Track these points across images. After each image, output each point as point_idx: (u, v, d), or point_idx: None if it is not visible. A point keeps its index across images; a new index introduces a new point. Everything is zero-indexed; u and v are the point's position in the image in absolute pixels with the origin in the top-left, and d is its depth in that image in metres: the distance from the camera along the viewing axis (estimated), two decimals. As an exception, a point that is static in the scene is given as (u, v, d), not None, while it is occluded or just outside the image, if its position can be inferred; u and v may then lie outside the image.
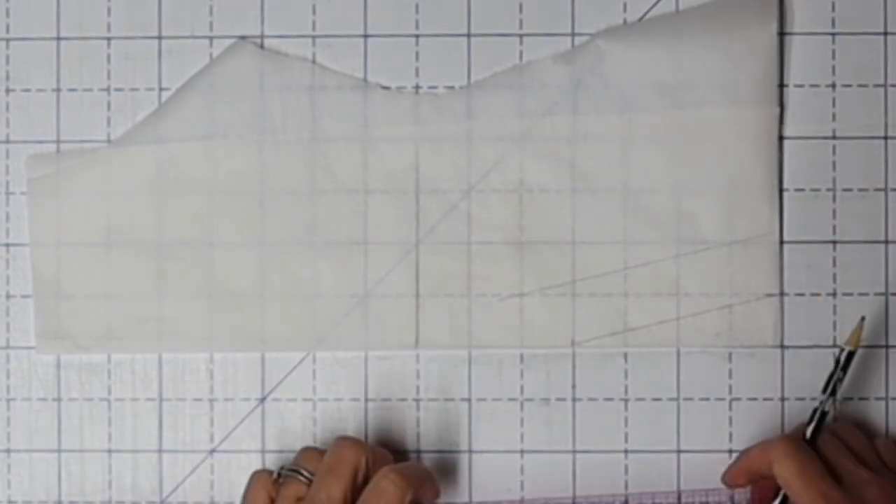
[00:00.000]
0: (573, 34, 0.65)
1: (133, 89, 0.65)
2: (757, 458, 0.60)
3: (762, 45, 0.63)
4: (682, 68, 0.63)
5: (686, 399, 0.64)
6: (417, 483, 0.59)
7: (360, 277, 0.64)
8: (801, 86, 0.65)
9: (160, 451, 0.65)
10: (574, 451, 0.64)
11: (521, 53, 0.65)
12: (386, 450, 0.62)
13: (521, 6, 0.65)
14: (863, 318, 0.61)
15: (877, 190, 0.64)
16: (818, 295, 0.64)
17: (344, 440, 0.59)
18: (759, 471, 0.60)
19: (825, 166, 0.64)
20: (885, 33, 0.65)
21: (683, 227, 0.64)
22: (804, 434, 0.60)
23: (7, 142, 0.65)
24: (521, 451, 0.65)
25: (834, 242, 0.64)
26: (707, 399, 0.64)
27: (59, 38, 0.65)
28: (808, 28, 0.65)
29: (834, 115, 0.64)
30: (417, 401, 0.64)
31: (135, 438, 0.65)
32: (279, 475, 0.60)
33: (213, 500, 0.65)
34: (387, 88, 0.65)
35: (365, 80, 0.65)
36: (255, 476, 0.61)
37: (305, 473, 0.59)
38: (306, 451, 0.61)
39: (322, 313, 0.64)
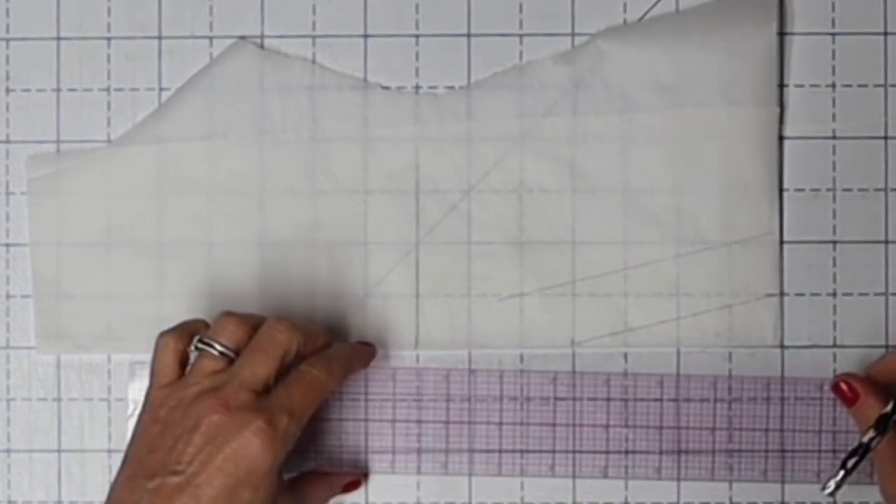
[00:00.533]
0: (573, 34, 0.65)
1: (133, 89, 0.65)
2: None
3: (762, 45, 0.63)
4: (682, 68, 0.63)
5: (686, 400, 0.64)
6: (341, 369, 0.59)
7: (360, 277, 0.64)
8: (801, 86, 0.65)
9: (160, 451, 0.65)
10: (574, 452, 0.64)
11: (521, 53, 0.65)
12: (322, 327, 0.61)
13: (521, 6, 0.65)
14: None
15: (877, 190, 0.64)
16: (818, 295, 0.64)
17: (278, 322, 0.58)
18: None
19: (825, 166, 0.64)
20: (885, 33, 0.65)
21: (683, 227, 0.64)
22: None
23: (7, 142, 0.65)
24: (521, 452, 0.65)
25: (834, 242, 0.64)
26: (707, 399, 0.64)
27: (59, 38, 0.65)
28: (808, 28, 0.65)
29: (834, 115, 0.65)
30: (417, 400, 0.64)
31: (135, 438, 0.65)
32: (195, 347, 0.58)
33: (213, 500, 0.65)
34: (387, 88, 0.65)
35: (365, 80, 0.65)
36: (163, 341, 0.59)
37: (219, 349, 0.57)
38: (228, 320, 0.58)
39: (322, 313, 0.64)
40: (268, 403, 0.56)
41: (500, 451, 0.64)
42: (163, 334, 0.59)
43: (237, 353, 0.58)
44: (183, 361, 0.58)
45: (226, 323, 0.58)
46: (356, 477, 0.64)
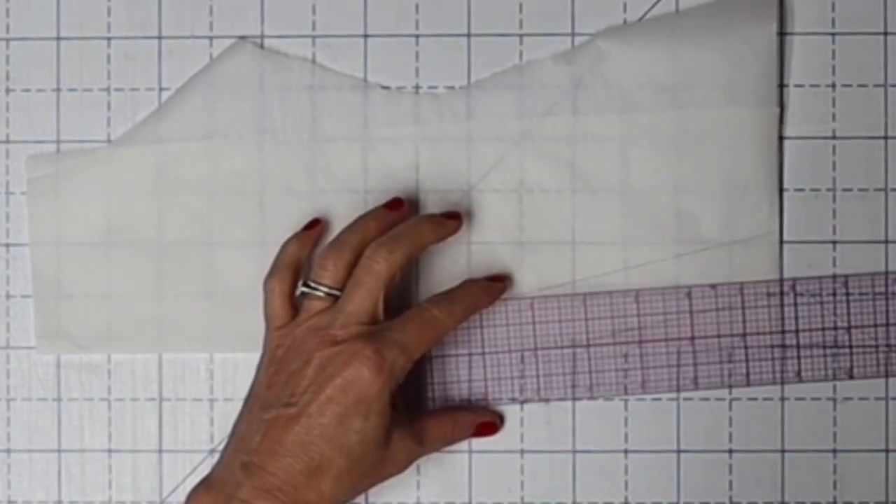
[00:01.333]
0: (573, 34, 0.65)
1: (133, 89, 0.65)
2: None
3: (762, 45, 0.63)
4: (682, 68, 0.63)
5: (686, 399, 0.64)
6: (464, 310, 0.60)
7: (360, 277, 0.64)
8: (801, 86, 0.65)
9: (160, 451, 0.65)
10: (574, 451, 0.64)
11: (521, 53, 0.65)
12: (427, 225, 0.61)
13: (521, 6, 0.65)
14: None
15: (877, 190, 0.64)
16: (818, 295, 0.64)
17: (376, 252, 0.59)
18: None
19: (825, 166, 0.64)
20: (885, 33, 0.65)
21: (683, 227, 0.64)
22: None
23: (7, 142, 0.65)
24: (521, 451, 0.65)
25: (834, 242, 0.64)
26: (707, 399, 0.64)
27: (59, 38, 0.65)
28: (808, 28, 0.65)
29: (834, 115, 0.64)
30: (417, 400, 0.64)
31: (135, 438, 0.65)
32: (301, 292, 0.60)
33: (213, 500, 0.65)
34: (387, 88, 0.65)
35: (365, 80, 0.65)
36: (269, 287, 0.61)
37: (324, 290, 0.59)
38: (327, 260, 0.60)
39: (322, 313, 0.64)
40: (378, 335, 0.58)
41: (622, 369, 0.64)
42: (268, 279, 0.61)
43: (341, 289, 0.59)
44: (292, 301, 0.60)
45: (326, 264, 0.60)
46: (491, 419, 0.63)
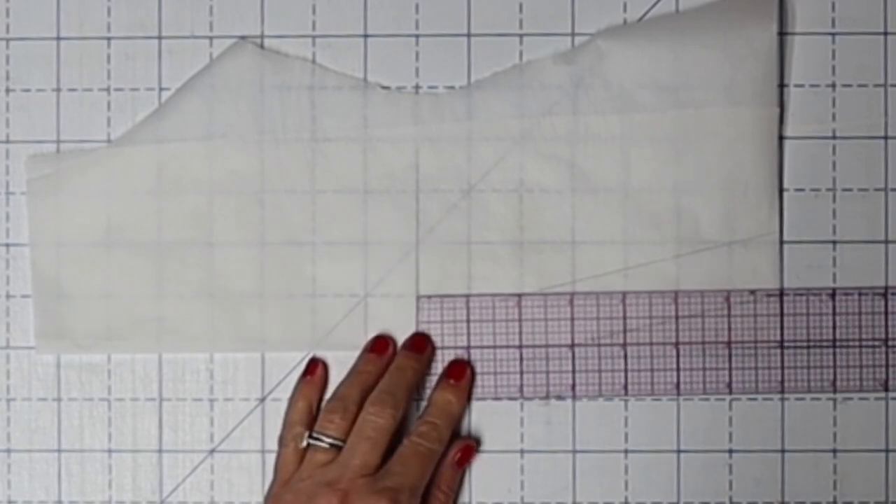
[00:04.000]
0: (573, 34, 0.65)
1: (133, 89, 0.65)
2: None
3: (762, 45, 0.63)
4: (682, 68, 0.63)
5: (686, 399, 0.64)
6: (449, 430, 0.62)
7: (360, 277, 0.64)
8: (801, 86, 0.65)
9: (160, 451, 0.65)
10: (574, 451, 0.64)
11: (521, 53, 0.65)
12: (412, 374, 0.63)
13: (521, 6, 0.65)
14: None
15: (877, 190, 0.64)
16: (818, 295, 0.64)
17: (381, 409, 0.61)
18: None
19: (825, 166, 0.64)
20: (885, 33, 0.65)
21: (683, 227, 0.64)
22: None
23: (7, 142, 0.65)
24: (521, 451, 0.65)
25: (834, 242, 0.64)
26: (707, 399, 0.64)
27: (59, 38, 0.65)
28: (808, 28, 0.65)
29: (834, 115, 0.65)
30: (418, 401, 0.64)
31: (135, 438, 0.65)
32: (307, 444, 0.61)
33: (212, 500, 0.65)
34: (387, 88, 0.65)
35: (365, 80, 0.65)
36: (285, 441, 0.62)
37: (329, 441, 0.60)
38: (333, 414, 0.61)
39: (322, 313, 0.64)
40: (386, 482, 0.59)
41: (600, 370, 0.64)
42: (283, 435, 0.62)
43: (345, 440, 0.61)
44: (304, 455, 0.61)
45: (333, 417, 0.61)
46: (466, 445, 0.64)
